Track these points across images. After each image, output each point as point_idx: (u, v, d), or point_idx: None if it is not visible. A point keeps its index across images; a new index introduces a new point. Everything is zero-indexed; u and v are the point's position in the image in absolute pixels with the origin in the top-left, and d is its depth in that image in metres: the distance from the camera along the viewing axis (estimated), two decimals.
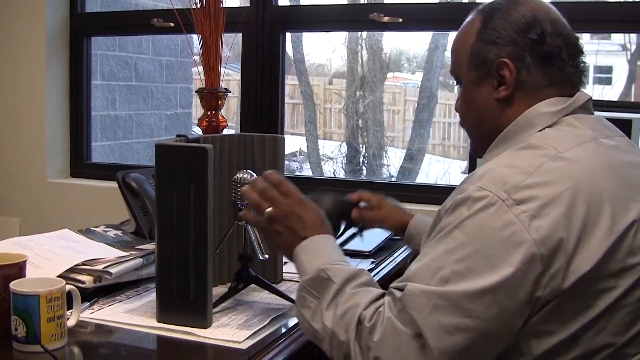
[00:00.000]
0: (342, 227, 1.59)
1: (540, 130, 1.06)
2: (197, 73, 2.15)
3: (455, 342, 0.91)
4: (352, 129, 4.47)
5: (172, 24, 2.57)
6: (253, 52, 2.51)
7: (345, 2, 3.87)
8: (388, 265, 1.74)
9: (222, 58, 2.03)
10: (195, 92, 2.04)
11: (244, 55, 2.57)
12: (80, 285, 1.28)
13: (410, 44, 5.54)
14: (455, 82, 1.19)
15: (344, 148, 4.45)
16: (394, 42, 4.71)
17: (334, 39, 4.73)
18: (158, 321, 1.21)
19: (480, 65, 1.11)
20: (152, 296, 1.30)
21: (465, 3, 3.47)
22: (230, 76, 3.14)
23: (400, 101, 5.32)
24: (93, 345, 1.18)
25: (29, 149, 2.78)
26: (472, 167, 1.94)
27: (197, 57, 2.08)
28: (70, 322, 1.15)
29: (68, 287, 1.13)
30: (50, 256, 1.36)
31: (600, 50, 4.93)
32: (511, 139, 1.09)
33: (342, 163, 4.46)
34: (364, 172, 4.30)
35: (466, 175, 1.96)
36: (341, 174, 4.32)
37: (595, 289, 0.94)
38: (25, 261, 1.17)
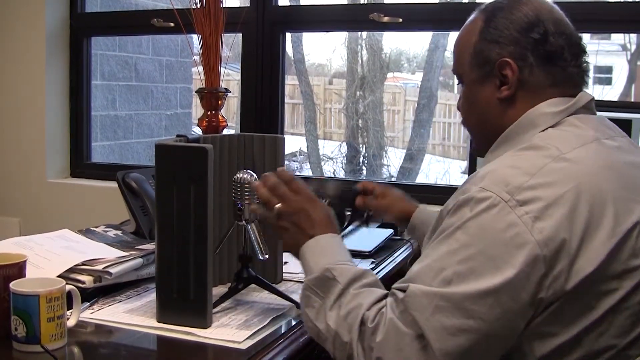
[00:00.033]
0: (348, 216, 1.59)
1: (543, 131, 1.06)
2: (197, 73, 2.15)
3: (457, 344, 0.90)
4: (352, 129, 4.47)
5: (172, 24, 2.57)
6: (253, 52, 2.51)
7: (345, 2, 3.87)
8: (388, 265, 1.74)
9: (222, 58, 2.03)
10: (195, 92, 2.04)
11: (244, 55, 2.57)
12: (80, 285, 1.28)
13: (410, 44, 5.55)
14: (457, 80, 1.19)
15: (344, 148, 4.46)
16: (394, 42, 4.71)
17: (334, 39, 4.74)
18: (158, 321, 1.21)
19: (482, 64, 1.11)
20: (152, 296, 1.30)
21: (465, 3, 3.47)
22: (230, 76, 3.14)
23: (400, 101, 5.32)
24: (93, 345, 1.18)
25: (29, 149, 2.78)
26: (472, 167, 1.94)
27: (197, 57, 2.08)
28: (70, 322, 1.15)
29: (68, 287, 1.13)
30: (50, 256, 1.36)
31: (600, 50, 4.93)
32: (513, 139, 1.08)
33: (342, 163, 4.46)
34: (364, 172, 4.30)
35: (466, 175, 1.96)
36: (341, 174, 4.32)
37: (598, 290, 0.93)
38: (25, 261, 1.17)
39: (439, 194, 2.30)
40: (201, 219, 1.18)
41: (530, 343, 0.95)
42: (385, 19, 2.31)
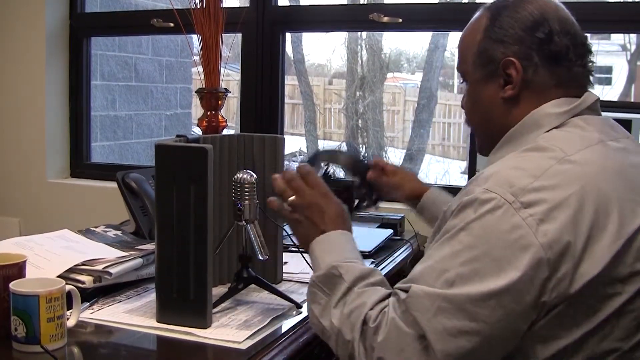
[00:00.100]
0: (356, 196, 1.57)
1: (547, 131, 1.05)
2: (197, 73, 2.15)
3: (459, 345, 0.90)
4: (352, 129, 4.48)
5: (171, 24, 2.57)
6: (253, 52, 2.51)
7: (345, 2, 3.87)
8: (388, 265, 1.74)
9: (222, 58, 2.03)
10: (195, 92, 2.04)
11: (243, 55, 2.57)
12: (80, 285, 1.28)
13: (410, 44, 5.55)
14: (461, 79, 1.18)
15: (344, 148, 4.46)
16: (393, 42, 4.72)
17: (333, 39, 4.74)
18: (158, 321, 1.21)
19: (486, 63, 1.10)
20: (152, 296, 1.30)
21: (465, 3, 3.47)
22: (230, 76, 3.14)
23: (400, 101, 5.33)
24: (93, 345, 1.18)
25: (29, 149, 2.78)
26: (472, 167, 1.94)
27: (196, 57, 2.08)
28: (70, 323, 1.15)
29: (68, 287, 1.13)
30: (50, 256, 1.36)
31: (600, 51, 4.93)
32: (517, 139, 1.07)
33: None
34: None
35: (466, 175, 1.96)
36: (341, 174, 4.32)
37: (603, 293, 0.93)
38: (25, 261, 1.17)
39: None
40: (201, 219, 1.18)
41: (533, 345, 0.94)
42: (385, 19, 2.31)
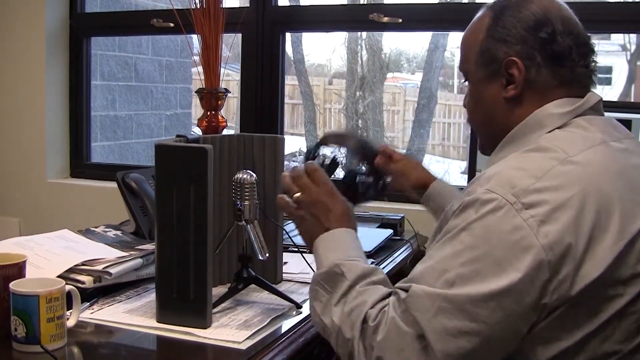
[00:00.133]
0: (361, 185, 1.55)
1: (550, 132, 1.04)
2: (197, 73, 2.15)
3: (459, 346, 0.90)
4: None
5: (171, 24, 2.57)
6: (253, 52, 2.51)
7: (345, 2, 3.87)
8: (388, 265, 1.74)
9: (221, 58, 2.03)
10: (195, 92, 2.04)
11: (243, 55, 2.57)
12: (80, 285, 1.28)
13: (410, 44, 5.55)
14: (463, 78, 1.17)
15: (344, 148, 4.45)
16: (393, 42, 4.72)
17: (333, 39, 4.74)
18: (158, 321, 1.21)
19: (489, 63, 1.09)
20: (151, 296, 1.30)
21: (465, 3, 3.47)
22: (230, 76, 3.14)
23: (400, 101, 5.33)
24: (93, 345, 1.18)
25: (29, 149, 2.78)
26: (472, 167, 1.94)
27: (196, 58, 2.08)
28: (70, 323, 1.15)
29: (68, 287, 1.13)
30: (50, 256, 1.36)
31: (600, 51, 4.91)
32: (520, 139, 1.07)
33: (341, 163, 4.46)
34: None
35: (466, 175, 1.95)
36: (341, 175, 4.32)
37: (604, 295, 0.93)
38: (25, 261, 1.17)
39: None
40: (201, 219, 1.18)
41: (534, 347, 0.94)
42: (385, 19, 2.32)
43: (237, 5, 2.88)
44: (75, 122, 2.85)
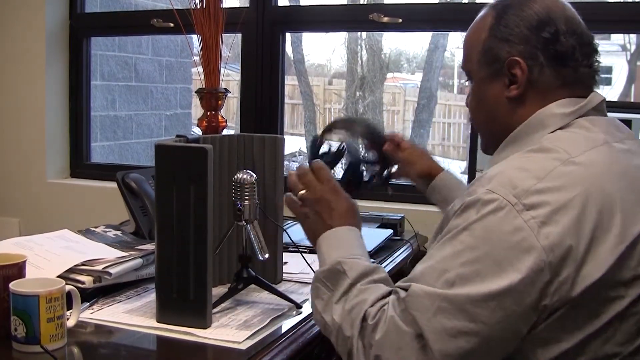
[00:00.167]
0: (366, 172, 1.55)
1: (552, 132, 1.04)
2: (197, 73, 2.15)
3: (458, 346, 0.90)
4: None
5: (171, 25, 2.57)
6: (253, 52, 2.51)
7: (345, 2, 3.87)
8: (388, 266, 1.73)
9: (221, 58, 2.03)
10: (195, 92, 2.04)
11: (243, 55, 2.57)
12: (80, 285, 1.28)
13: (410, 45, 5.55)
14: (466, 77, 1.17)
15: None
16: (393, 42, 4.72)
17: (333, 39, 4.75)
18: (158, 321, 1.21)
19: (491, 62, 1.09)
20: (151, 296, 1.30)
21: (465, 3, 3.47)
22: (230, 76, 3.14)
23: (400, 101, 5.33)
24: (93, 345, 1.18)
25: (29, 149, 2.78)
26: (471, 167, 1.94)
27: (196, 58, 2.08)
28: (70, 323, 1.14)
29: (68, 287, 1.13)
30: (50, 256, 1.36)
31: (600, 51, 4.93)
32: (522, 140, 1.06)
33: (341, 163, 4.45)
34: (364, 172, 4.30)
35: (466, 175, 1.95)
36: (341, 174, 4.32)
37: (605, 297, 0.92)
38: (25, 261, 1.17)
39: None
40: (201, 219, 1.18)
41: (534, 348, 0.94)
42: (385, 19, 2.31)
43: (237, 5, 2.88)
44: (75, 122, 2.85)
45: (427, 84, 4.43)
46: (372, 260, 1.70)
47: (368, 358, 0.96)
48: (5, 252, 1.21)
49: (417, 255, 1.84)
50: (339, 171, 1.60)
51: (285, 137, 1.53)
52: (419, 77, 4.71)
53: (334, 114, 5.31)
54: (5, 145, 2.83)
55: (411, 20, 2.34)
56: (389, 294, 1.01)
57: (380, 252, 1.81)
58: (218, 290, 1.36)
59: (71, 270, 1.31)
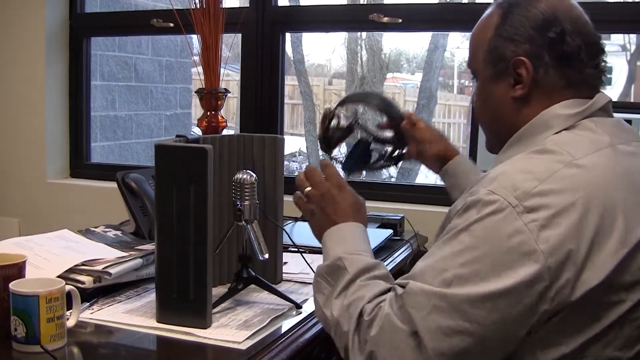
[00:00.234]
0: (375, 151, 1.52)
1: (557, 133, 1.03)
2: (197, 73, 2.15)
3: (452, 345, 0.90)
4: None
5: (171, 25, 2.57)
6: (253, 52, 2.51)
7: (345, 3, 3.87)
8: (388, 266, 1.73)
9: (221, 58, 2.03)
10: (195, 92, 2.04)
11: (243, 55, 2.57)
12: (79, 285, 1.28)
13: (409, 45, 5.55)
14: (469, 77, 1.16)
15: (344, 148, 4.45)
16: (393, 42, 4.72)
17: (333, 39, 4.74)
18: (158, 321, 1.21)
19: (497, 61, 1.08)
20: (151, 296, 1.30)
21: (465, 3, 3.47)
22: (230, 76, 3.14)
23: (400, 101, 5.32)
24: (93, 345, 1.18)
25: (28, 149, 2.78)
26: None
27: (196, 58, 2.08)
28: (70, 323, 1.15)
29: (68, 287, 1.13)
30: (49, 256, 1.36)
31: None
32: (527, 140, 1.06)
33: (341, 163, 4.45)
34: (364, 172, 4.30)
35: None
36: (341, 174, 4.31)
37: (605, 301, 0.92)
38: (24, 261, 1.17)
39: (438, 194, 2.30)
40: (201, 219, 1.18)
41: (534, 350, 0.93)
42: (385, 19, 2.31)
43: (237, 5, 2.88)
44: (75, 122, 2.85)
45: (427, 84, 4.43)
46: None
47: (363, 354, 0.97)
48: (5, 252, 1.21)
49: (417, 256, 1.84)
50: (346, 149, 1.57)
51: (285, 137, 1.53)
52: (418, 77, 4.70)
53: None
54: (5, 145, 2.83)
55: (411, 20, 2.33)
56: (388, 290, 1.01)
57: (380, 252, 1.80)
58: (218, 290, 1.36)
59: (71, 270, 1.31)
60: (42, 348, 1.06)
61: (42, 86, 2.73)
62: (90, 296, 1.31)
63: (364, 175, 4.17)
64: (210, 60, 2.00)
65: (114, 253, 1.44)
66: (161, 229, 1.21)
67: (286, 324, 1.26)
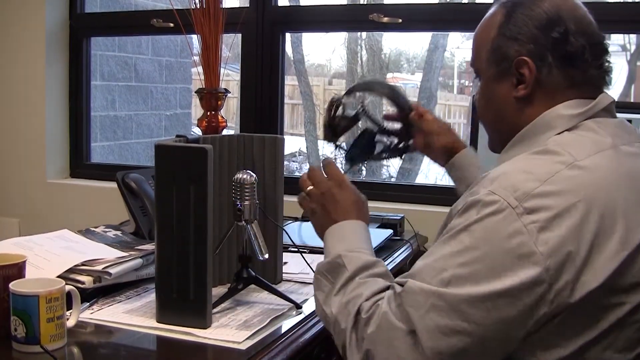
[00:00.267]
0: (380, 143, 1.49)
1: (559, 134, 1.02)
2: (197, 73, 2.15)
3: (450, 344, 0.90)
4: (352, 130, 4.47)
5: (171, 25, 2.57)
6: (253, 52, 2.51)
7: (345, 3, 3.87)
8: (388, 266, 1.73)
9: (221, 58, 2.03)
10: (195, 92, 2.04)
11: (243, 55, 2.57)
12: (79, 285, 1.28)
13: (409, 45, 5.54)
14: (474, 75, 1.16)
15: (349, 139, 4.45)
16: (393, 42, 4.72)
17: (333, 39, 4.74)
18: (158, 321, 1.21)
19: (500, 61, 1.07)
20: (151, 296, 1.30)
21: (465, 3, 3.47)
22: (230, 76, 3.14)
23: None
24: (93, 345, 1.18)
25: (28, 149, 2.78)
26: None
27: (196, 58, 2.08)
28: (70, 323, 1.14)
29: (68, 287, 1.13)
30: (49, 257, 1.36)
31: None
32: (529, 140, 1.05)
33: (341, 164, 4.46)
34: (364, 172, 4.30)
35: None
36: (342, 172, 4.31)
37: (605, 303, 0.91)
38: (24, 261, 1.17)
39: (438, 194, 2.30)
40: (201, 219, 1.18)
41: (534, 353, 0.93)
42: (385, 19, 2.31)
43: (237, 5, 2.88)
44: (75, 122, 2.85)
45: (427, 84, 4.43)
46: None
47: (360, 351, 0.97)
48: (5, 252, 1.21)
49: (417, 256, 1.83)
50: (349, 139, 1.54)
51: (285, 137, 1.53)
52: (418, 77, 4.70)
53: None
54: (5, 145, 2.83)
55: (411, 20, 2.34)
56: (387, 288, 1.01)
57: (380, 252, 1.80)
58: (218, 290, 1.36)
59: (71, 270, 1.31)
60: (42, 348, 1.06)
61: (42, 86, 2.73)
62: (90, 296, 1.31)
63: (363, 176, 4.18)
64: (210, 60, 2.00)
65: (114, 253, 1.44)
66: (161, 229, 1.21)
67: (286, 324, 1.26)
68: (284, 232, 1.49)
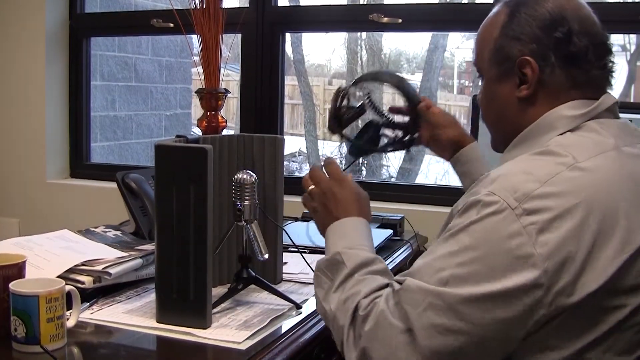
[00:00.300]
0: (384, 137, 1.48)
1: (561, 134, 1.02)
2: (197, 73, 2.15)
3: (446, 343, 0.90)
4: (352, 130, 4.47)
5: (171, 25, 2.57)
6: (253, 52, 2.51)
7: (345, 3, 3.87)
8: (388, 266, 1.73)
9: (221, 58, 2.03)
10: (195, 92, 2.04)
11: (243, 55, 2.57)
12: (79, 285, 1.28)
13: (409, 45, 5.54)
14: (477, 74, 1.15)
15: (344, 148, 4.45)
16: (393, 42, 4.71)
17: (333, 39, 4.74)
18: (157, 321, 1.21)
19: (502, 61, 1.07)
20: (151, 297, 1.30)
21: (465, 3, 3.47)
22: (230, 77, 3.14)
23: (400, 102, 5.32)
24: (93, 345, 1.18)
25: (28, 149, 2.78)
26: None
27: (196, 58, 2.08)
28: (70, 323, 1.14)
29: (67, 287, 1.13)
30: (49, 257, 1.36)
31: None
32: (531, 140, 1.05)
33: (341, 164, 4.46)
34: (364, 172, 4.30)
35: None
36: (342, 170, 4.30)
37: (605, 306, 0.91)
38: (24, 262, 1.17)
39: (438, 194, 2.31)
40: (201, 219, 1.18)
41: (533, 354, 0.93)
42: (385, 19, 2.31)
43: (237, 5, 2.88)
44: (75, 122, 2.85)
45: (427, 84, 4.43)
46: None
47: (357, 348, 0.97)
48: (5, 252, 1.21)
49: (417, 256, 1.83)
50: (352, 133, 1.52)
51: (285, 137, 1.53)
52: (418, 77, 4.70)
53: None
54: (5, 145, 2.83)
55: (411, 20, 2.33)
56: (385, 286, 1.01)
57: (380, 252, 1.80)
58: (218, 290, 1.36)
59: (71, 270, 1.31)
60: (42, 348, 1.06)
61: (42, 86, 2.73)
62: (90, 296, 1.31)
63: (363, 176, 4.17)
64: (210, 61, 2.00)
65: (114, 253, 1.44)
66: (161, 229, 1.21)
67: (286, 324, 1.26)
68: (284, 232, 1.49)
